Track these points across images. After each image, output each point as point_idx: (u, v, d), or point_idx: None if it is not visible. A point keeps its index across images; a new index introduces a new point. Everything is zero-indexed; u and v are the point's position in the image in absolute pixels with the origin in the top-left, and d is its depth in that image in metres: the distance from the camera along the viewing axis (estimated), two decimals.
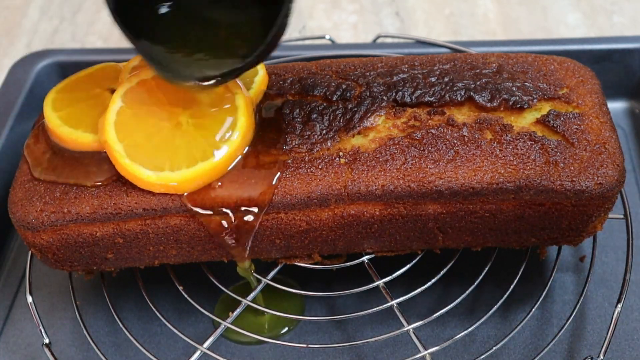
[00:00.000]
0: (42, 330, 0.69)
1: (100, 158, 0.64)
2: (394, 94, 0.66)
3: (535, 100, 0.66)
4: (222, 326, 0.68)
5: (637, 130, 0.87)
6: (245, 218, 0.63)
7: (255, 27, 0.60)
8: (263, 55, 0.59)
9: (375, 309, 0.68)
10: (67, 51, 0.95)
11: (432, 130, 0.64)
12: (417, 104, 0.66)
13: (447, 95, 0.66)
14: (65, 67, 0.92)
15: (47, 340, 0.69)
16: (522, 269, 0.69)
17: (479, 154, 0.63)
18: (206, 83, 0.60)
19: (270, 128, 0.65)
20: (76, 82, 0.70)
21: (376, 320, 0.72)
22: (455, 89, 0.66)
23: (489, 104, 0.65)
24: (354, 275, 0.74)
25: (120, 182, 0.63)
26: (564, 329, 0.67)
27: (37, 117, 0.71)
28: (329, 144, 0.64)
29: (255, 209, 0.63)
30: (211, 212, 0.63)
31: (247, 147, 0.63)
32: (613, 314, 0.66)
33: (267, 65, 0.71)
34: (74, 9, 1.15)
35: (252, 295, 0.69)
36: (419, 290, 0.68)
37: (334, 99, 0.66)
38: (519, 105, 0.65)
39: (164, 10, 0.61)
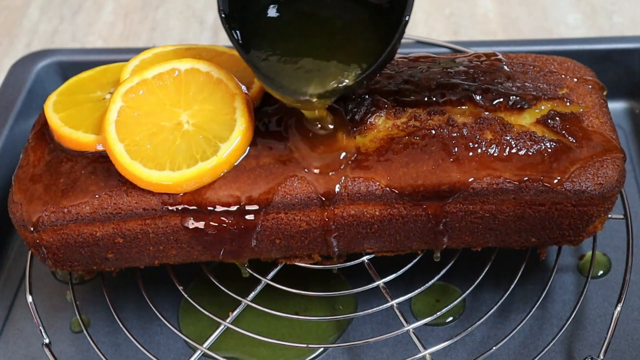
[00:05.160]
0: (42, 330, 0.69)
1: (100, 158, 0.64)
2: (394, 94, 0.66)
3: (535, 101, 0.66)
4: (222, 326, 0.68)
5: (637, 130, 0.87)
6: (246, 218, 0.63)
7: (368, 37, 0.58)
8: (378, 70, 0.56)
9: (375, 309, 0.68)
10: (67, 51, 0.95)
11: (432, 131, 0.64)
12: (417, 104, 0.66)
13: (447, 95, 0.66)
14: (65, 67, 0.92)
15: (47, 340, 0.69)
16: (522, 269, 0.69)
17: (479, 154, 0.63)
18: (315, 100, 0.57)
19: (271, 128, 0.65)
20: (77, 84, 0.70)
21: (376, 320, 0.72)
22: (455, 89, 0.66)
23: (489, 104, 0.65)
24: (354, 275, 0.74)
25: (120, 182, 0.63)
26: (564, 329, 0.67)
27: (37, 117, 0.71)
28: (329, 144, 0.63)
29: (256, 209, 0.63)
30: (211, 212, 0.63)
31: (247, 147, 0.63)
32: (613, 314, 0.66)
33: None
34: (74, 9, 1.15)
35: (252, 295, 0.69)
36: (419, 290, 0.68)
37: None
38: (519, 106, 0.65)
39: (273, 12, 0.59)
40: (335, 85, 0.57)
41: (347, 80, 0.57)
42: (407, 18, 0.56)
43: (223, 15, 0.58)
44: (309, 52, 0.59)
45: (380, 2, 0.57)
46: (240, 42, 0.58)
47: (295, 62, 0.58)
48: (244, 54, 0.58)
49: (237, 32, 0.58)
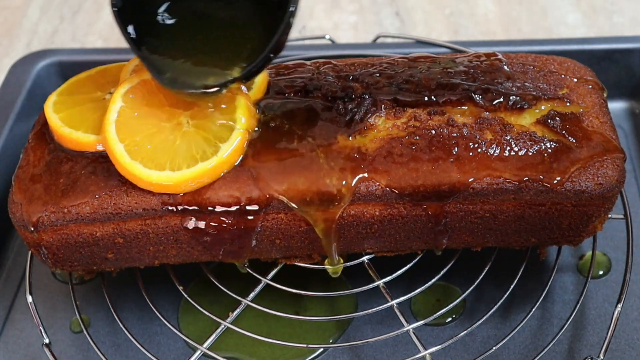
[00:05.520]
0: (42, 330, 0.69)
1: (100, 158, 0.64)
2: (394, 94, 0.66)
3: (535, 101, 0.66)
4: (222, 326, 0.68)
5: (637, 130, 0.87)
6: (246, 218, 0.63)
7: (258, 30, 0.60)
8: (265, 62, 0.59)
9: (375, 309, 0.68)
10: (67, 51, 0.95)
11: (432, 131, 0.64)
12: (417, 104, 0.66)
13: (447, 95, 0.66)
14: (65, 67, 0.92)
15: (47, 340, 0.69)
16: (522, 269, 0.69)
17: (479, 154, 0.63)
18: (208, 91, 0.60)
19: (270, 128, 0.65)
20: (77, 84, 0.70)
21: (376, 320, 0.72)
22: (455, 89, 0.66)
23: (489, 104, 0.65)
24: (354, 275, 0.74)
25: (120, 182, 0.63)
26: (564, 329, 0.67)
27: (37, 117, 0.71)
28: (329, 144, 0.64)
29: (256, 209, 0.63)
30: (211, 212, 0.63)
31: (246, 148, 0.63)
32: (613, 314, 0.66)
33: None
34: (74, 9, 1.15)
35: (252, 295, 0.69)
36: (418, 290, 0.68)
37: (334, 99, 0.66)
38: (519, 106, 0.65)
39: (164, 13, 0.60)
40: (225, 79, 0.59)
41: (235, 74, 0.59)
42: (292, 8, 0.57)
43: (115, 9, 0.59)
44: (201, 48, 0.60)
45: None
46: (134, 37, 0.59)
47: (188, 57, 0.60)
48: (136, 49, 0.59)
49: (131, 27, 0.60)
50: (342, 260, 0.69)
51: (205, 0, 0.61)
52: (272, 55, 0.59)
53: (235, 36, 0.61)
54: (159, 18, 0.61)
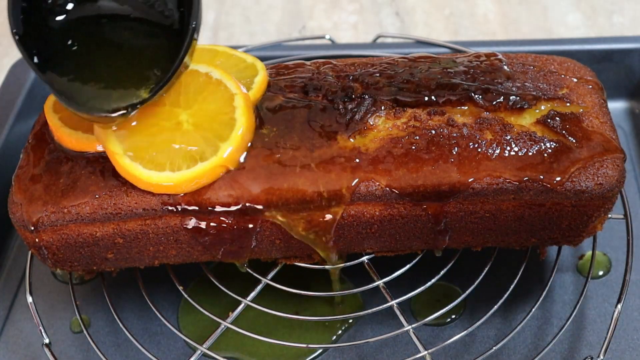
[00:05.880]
0: (42, 330, 0.69)
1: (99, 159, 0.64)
2: (394, 94, 0.66)
3: (535, 101, 0.66)
4: (222, 326, 0.68)
5: (637, 130, 0.87)
6: (246, 218, 0.63)
7: (164, 50, 0.60)
8: (169, 82, 0.59)
9: (375, 309, 0.68)
10: None
11: (432, 131, 0.64)
12: (417, 104, 0.66)
13: (447, 95, 0.66)
14: None
15: (47, 340, 0.69)
16: (522, 269, 0.69)
17: (479, 154, 0.63)
18: (116, 114, 0.59)
19: (270, 128, 0.65)
20: None
21: (376, 320, 0.72)
22: (455, 89, 0.66)
23: (489, 104, 0.65)
24: (354, 275, 0.74)
25: (120, 182, 0.63)
26: (564, 329, 0.67)
27: (37, 117, 0.71)
28: (329, 144, 0.64)
29: (256, 209, 0.63)
30: (211, 212, 0.63)
31: (246, 148, 0.63)
32: (613, 314, 0.66)
33: (267, 65, 0.71)
34: None
35: (252, 295, 0.69)
36: (419, 290, 0.68)
37: (334, 99, 0.66)
38: (519, 106, 0.65)
39: (67, 39, 0.60)
40: (133, 100, 0.59)
41: (143, 95, 0.59)
42: (194, 24, 0.58)
43: (17, 37, 0.59)
44: (107, 72, 0.60)
45: (172, 23, 0.60)
46: (38, 61, 0.59)
47: (95, 82, 0.60)
48: (40, 73, 0.59)
49: (35, 51, 0.60)
50: (340, 262, 0.69)
51: (109, 27, 0.61)
52: (179, 71, 0.59)
53: (141, 59, 0.60)
54: (63, 43, 0.60)
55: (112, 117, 0.59)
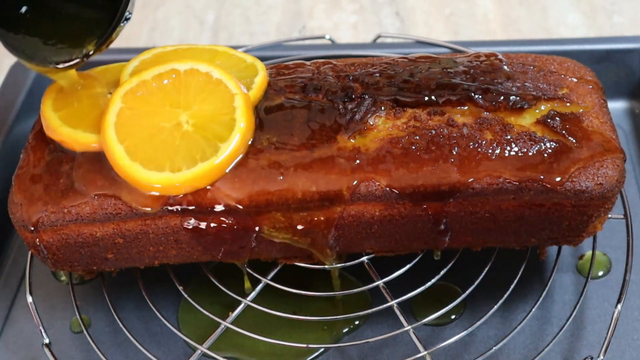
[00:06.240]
0: (42, 330, 0.69)
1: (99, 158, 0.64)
2: (394, 94, 0.66)
3: (535, 101, 0.66)
4: (222, 326, 0.68)
5: (637, 130, 0.87)
6: (246, 218, 0.63)
7: (102, 15, 0.64)
8: (107, 41, 0.64)
9: (375, 309, 0.68)
10: None
11: (432, 131, 0.64)
12: (417, 104, 0.66)
13: (447, 95, 0.66)
14: None
15: (47, 340, 0.69)
16: (522, 269, 0.69)
17: (479, 154, 0.63)
18: (67, 64, 0.64)
19: (270, 128, 0.65)
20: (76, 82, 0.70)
21: (376, 320, 0.72)
22: (455, 89, 0.66)
23: (489, 104, 0.65)
24: (354, 275, 0.74)
25: (121, 182, 0.63)
26: (564, 329, 0.67)
27: (37, 117, 0.71)
28: (329, 144, 0.64)
29: (256, 209, 0.63)
30: (211, 213, 0.63)
31: (246, 148, 0.63)
32: (613, 314, 0.66)
33: (267, 65, 0.71)
34: None
35: (252, 295, 0.69)
36: (419, 290, 0.68)
37: (334, 99, 0.66)
38: (519, 106, 0.65)
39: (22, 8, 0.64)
40: (78, 54, 0.64)
41: (89, 48, 0.64)
42: None
43: None
44: (55, 30, 0.65)
45: None
46: None
47: (44, 37, 0.64)
48: None
49: None
50: (338, 261, 0.69)
51: None
52: (121, 25, 0.64)
53: (86, 18, 0.65)
54: (17, 7, 0.64)
55: (59, 69, 0.64)
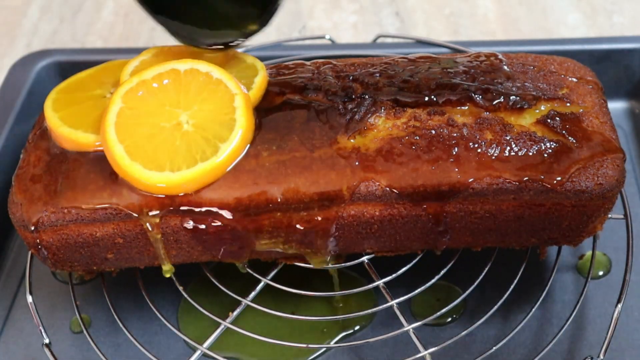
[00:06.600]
0: (42, 330, 0.69)
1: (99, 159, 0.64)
2: (394, 94, 0.66)
3: (535, 101, 0.66)
4: (222, 326, 0.68)
5: (637, 130, 0.87)
6: (245, 218, 0.63)
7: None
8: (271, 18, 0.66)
9: (375, 309, 0.68)
10: (67, 51, 0.95)
11: (432, 131, 0.64)
12: (417, 104, 0.66)
13: (447, 95, 0.66)
14: (65, 67, 0.92)
15: (47, 340, 0.69)
16: (522, 269, 0.69)
17: (479, 154, 0.63)
18: (234, 43, 0.67)
19: (270, 128, 0.65)
20: (77, 82, 0.70)
21: (376, 320, 0.72)
22: (455, 89, 0.66)
23: (489, 104, 0.65)
24: (354, 275, 0.74)
25: (121, 181, 0.63)
26: (564, 329, 0.67)
27: (37, 117, 0.71)
28: (329, 145, 0.64)
29: (256, 209, 0.63)
30: (211, 213, 0.63)
31: (246, 148, 0.63)
32: (613, 314, 0.66)
33: (267, 65, 0.71)
34: (74, 9, 1.15)
35: (252, 295, 0.69)
36: (419, 290, 0.68)
37: (334, 99, 0.66)
38: (519, 106, 0.65)
39: None
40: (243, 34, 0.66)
41: (252, 28, 0.66)
42: None
43: None
44: (211, 16, 0.66)
45: None
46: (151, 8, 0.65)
47: (203, 24, 0.66)
48: (156, 16, 0.65)
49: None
50: (332, 262, 0.69)
51: None
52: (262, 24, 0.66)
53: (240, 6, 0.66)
54: None
55: (231, 46, 0.67)
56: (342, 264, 0.70)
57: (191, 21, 0.65)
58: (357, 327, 0.72)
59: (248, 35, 0.66)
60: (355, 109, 0.65)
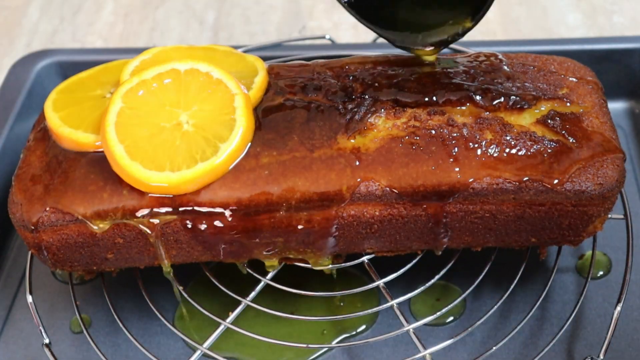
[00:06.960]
0: (42, 330, 0.69)
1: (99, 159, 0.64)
2: (394, 94, 0.66)
3: (535, 101, 0.66)
4: (222, 326, 0.68)
5: (637, 130, 0.87)
6: (245, 219, 0.63)
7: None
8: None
9: (375, 309, 0.68)
10: (67, 51, 0.95)
11: (432, 131, 0.64)
12: (417, 104, 0.66)
13: (447, 95, 0.66)
14: (65, 67, 0.92)
15: (47, 340, 0.69)
16: (522, 269, 0.69)
17: (479, 154, 0.63)
18: (431, 49, 0.68)
19: (270, 128, 0.65)
20: (77, 82, 0.70)
21: (376, 320, 0.72)
22: (455, 89, 0.66)
23: (489, 104, 0.65)
24: (354, 275, 0.74)
25: (121, 181, 0.63)
26: (564, 329, 0.67)
27: (37, 117, 0.71)
28: (329, 145, 0.64)
29: (256, 210, 0.63)
30: (211, 213, 0.63)
31: (246, 148, 0.63)
32: (613, 314, 0.66)
33: (267, 65, 0.71)
34: (74, 9, 1.15)
35: (252, 295, 0.69)
36: (419, 290, 0.68)
37: (334, 99, 0.66)
38: (519, 106, 0.65)
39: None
40: (457, 31, 0.67)
41: (467, 25, 0.66)
42: None
43: (345, 2, 0.69)
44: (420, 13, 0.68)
45: None
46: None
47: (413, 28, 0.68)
48: (372, 26, 0.68)
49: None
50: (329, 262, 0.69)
51: None
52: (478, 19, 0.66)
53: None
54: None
55: (432, 50, 0.68)
56: (342, 264, 0.70)
57: (411, 29, 0.68)
58: (357, 328, 0.72)
59: (463, 33, 0.67)
60: (355, 109, 0.65)
